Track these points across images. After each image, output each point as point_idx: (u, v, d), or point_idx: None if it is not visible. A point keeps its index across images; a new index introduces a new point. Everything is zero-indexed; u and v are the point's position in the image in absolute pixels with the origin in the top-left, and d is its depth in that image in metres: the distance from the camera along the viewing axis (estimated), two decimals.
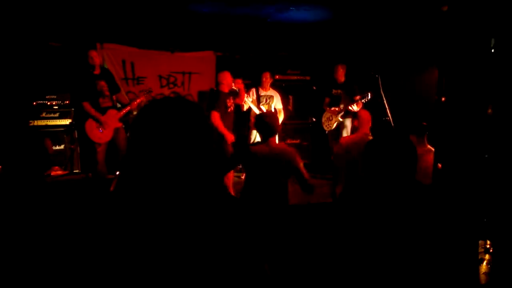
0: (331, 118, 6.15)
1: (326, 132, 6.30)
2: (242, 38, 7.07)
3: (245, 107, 5.90)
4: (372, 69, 5.62)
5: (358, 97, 5.71)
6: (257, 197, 3.16)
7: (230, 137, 4.79)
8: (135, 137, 1.17)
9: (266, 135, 3.24)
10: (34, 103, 5.81)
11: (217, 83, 5.26)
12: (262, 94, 5.98)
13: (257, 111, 5.81)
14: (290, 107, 7.01)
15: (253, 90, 6.02)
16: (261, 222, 3.03)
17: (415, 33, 5.87)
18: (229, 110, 5.13)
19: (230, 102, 5.15)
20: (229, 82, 5.16)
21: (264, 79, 6.00)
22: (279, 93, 6.25)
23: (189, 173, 1.13)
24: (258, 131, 3.35)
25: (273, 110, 5.94)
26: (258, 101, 5.92)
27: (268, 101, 5.99)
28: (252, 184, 3.23)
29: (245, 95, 5.75)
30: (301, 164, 3.21)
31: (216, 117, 4.78)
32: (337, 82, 6.19)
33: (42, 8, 5.29)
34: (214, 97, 5.07)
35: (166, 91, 7.00)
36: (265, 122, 3.23)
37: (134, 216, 1.10)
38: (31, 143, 3.48)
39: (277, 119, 3.40)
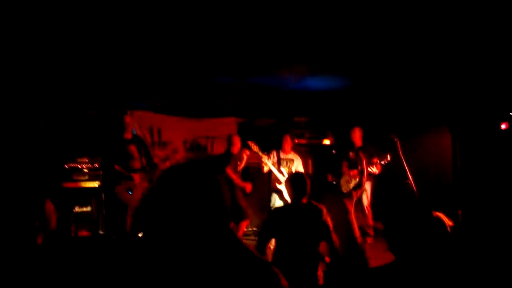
0: (349, 181, 6.22)
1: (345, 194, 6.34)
2: (262, 106, 7.43)
3: (265, 169, 6.03)
4: (390, 133, 5.76)
5: (376, 160, 5.82)
6: (290, 261, 3.12)
7: (248, 187, 5.63)
8: (156, 194, 1.35)
9: (299, 195, 3.29)
10: (66, 166, 6.10)
11: (230, 145, 5.92)
12: (282, 157, 6.10)
13: (277, 173, 5.93)
14: (309, 171, 7.13)
15: (274, 152, 6.15)
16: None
17: (429, 96, 6.08)
18: (238, 169, 5.86)
19: (238, 163, 5.85)
20: (238, 145, 5.91)
21: (284, 143, 6.17)
22: (300, 156, 6.37)
23: (202, 227, 1.28)
24: (290, 191, 3.38)
25: None
26: (278, 164, 6.03)
27: (288, 164, 6.06)
28: (283, 248, 3.20)
29: (265, 157, 5.94)
30: (331, 225, 3.24)
31: (230, 172, 5.68)
32: (355, 145, 6.31)
33: (78, 78, 5.75)
34: (226, 157, 5.83)
35: (190, 155, 7.29)
36: (297, 182, 3.31)
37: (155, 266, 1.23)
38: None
39: (308, 180, 3.42)
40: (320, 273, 3.19)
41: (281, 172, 5.92)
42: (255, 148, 5.98)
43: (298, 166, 6.16)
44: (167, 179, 1.36)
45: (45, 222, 2.77)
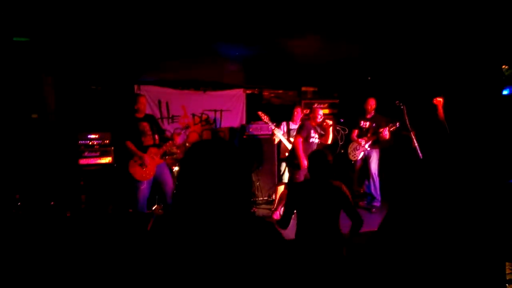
0: (357, 148, 6.30)
1: (352, 162, 6.44)
2: (270, 76, 7.41)
3: (276, 140, 6.16)
4: (397, 100, 5.78)
5: (385, 126, 5.91)
6: (312, 236, 3.19)
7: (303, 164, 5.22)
8: (185, 173, 1.40)
9: (319, 172, 3.30)
10: (78, 142, 6.20)
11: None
12: (292, 127, 6.19)
13: (286, 143, 6.02)
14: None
15: (284, 123, 6.24)
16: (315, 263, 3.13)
17: (434, 65, 6.05)
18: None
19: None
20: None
21: (295, 113, 6.24)
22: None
23: (229, 202, 1.34)
24: (311, 168, 3.37)
25: None
26: (288, 134, 6.13)
27: None
28: (305, 223, 3.27)
29: (275, 128, 6.03)
30: (350, 197, 3.29)
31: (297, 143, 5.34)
32: (366, 115, 6.36)
33: (85, 54, 5.76)
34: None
35: (199, 128, 7.36)
36: (319, 160, 3.30)
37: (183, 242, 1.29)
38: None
39: (330, 157, 3.38)
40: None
41: (291, 142, 6.01)
42: (265, 118, 6.07)
43: None
44: (196, 154, 1.39)
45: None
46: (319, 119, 5.45)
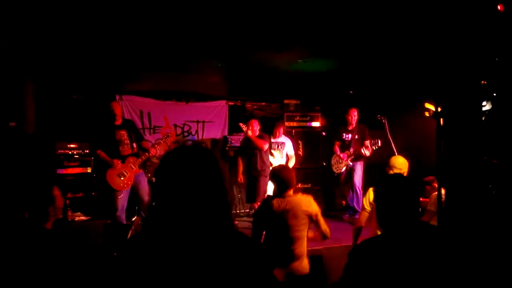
0: (340, 161, 6.32)
1: (335, 174, 6.45)
2: (252, 88, 7.43)
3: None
4: (378, 113, 5.84)
5: (368, 143, 5.93)
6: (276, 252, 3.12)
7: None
8: (160, 181, 1.36)
9: (282, 189, 3.22)
10: (57, 152, 6.09)
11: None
12: (273, 140, 6.21)
13: (269, 156, 6.02)
14: (300, 152, 7.22)
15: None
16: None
17: (416, 76, 6.15)
18: None
19: None
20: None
21: (276, 130, 6.28)
22: (290, 139, 6.47)
23: (206, 210, 1.31)
24: (275, 184, 3.31)
25: (284, 156, 6.14)
26: (269, 147, 6.12)
27: (280, 147, 6.20)
28: (271, 239, 3.19)
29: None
30: (319, 212, 3.23)
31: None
32: (348, 126, 6.37)
33: (67, 64, 5.70)
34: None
35: (181, 140, 7.30)
36: (281, 176, 3.23)
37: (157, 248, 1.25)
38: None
39: (292, 173, 3.36)
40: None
41: (272, 155, 6.03)
42: (245, 129, 6.02)
43: (289, 149, 6.27)
44: (171, 163, 1.36)
45: (54, 208, 2.85)
46: (256, 132, 5.61)
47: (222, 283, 1.23)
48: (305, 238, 3.20)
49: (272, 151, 6.10)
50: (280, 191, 3.22)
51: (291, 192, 3.24)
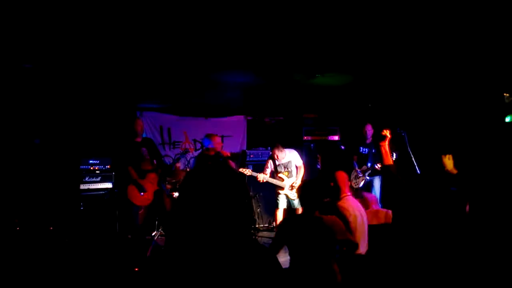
0: (358, 176, 6.28)
1: (354, 189, 6.39)
2: (270, 103, 7.48)
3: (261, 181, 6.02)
4: (398, 127, 5.78)
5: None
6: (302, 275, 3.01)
7: None
8: (182, 198, 1.39)
9: (311, 207, 3.14)
10: (80, 167, 6.23)
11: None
12: (277, 163, 6.02)
13: (275, 182, 5.89)
14: (319, 166, 7.19)
15: (268, 162, 6.11)
16: None
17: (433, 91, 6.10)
18: None
19: None
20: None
21: (274, 155, 6.00)
22: (295, 149, 6.26)
23: (227, 228, 1.33)
24: (303, 203, 3.22)
25: (294, 171, 5.99)
26: (276, 170, 6.01)
27: (286, 167, 6.02)
28: (297, 261, 3.08)
29: (261, 174, 5.92)
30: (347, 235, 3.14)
31: None
32: (365, 140, 6.37)
33: (91, 81, 5.86)
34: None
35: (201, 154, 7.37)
36: (311, 193, 3.15)
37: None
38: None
39: (320, 189, 3.22)
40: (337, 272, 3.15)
41: (280, 178, 5.91)
42: (248, 173, 5.93)
43: (297, 161, 6.06)
44: (194, 181, 1.39)
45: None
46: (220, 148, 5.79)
47: None
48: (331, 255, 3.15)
49: (280, 175, 5.96)
50: (309, 209, 3.17)
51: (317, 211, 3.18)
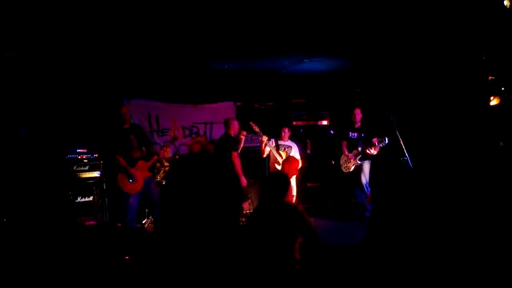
0: (348, 161, 6.31)
1: (344, 174, 6.43)
2: (260, 89, 7.44)
3: (265, 153, 6.12)
4: (386, 111, 5.80)
5: (375, 140, 5.91)
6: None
7: (243, 181, 5.25)
8: (169, 184, 1.39)
9: (277, 195, 3.16)
10: (66, 156, 6.15)
11: (227, 128, 5.69)
12: (281, 143, 6.23)
13: (276, 155, 6.03)
14: (308, 151, 7.21)
15: (273, 140, 6.25)
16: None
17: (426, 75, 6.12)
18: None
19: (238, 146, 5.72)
20: (236, 128, 5.71)
21: (283, 133, 6.30)
22: (297, 144, 6.47)
23: (212, 210, 1.34)
24: (268, 191, 3.21)
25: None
26: (277, 148, 6.12)
27: (286, 149, 6.21)
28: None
29: (266, 139, 6.02)
30: (310, 222, 3.13)
31: (235, 156, 5.27)
32: (354, 125, 6.39)
33: (76, 68, 5.76)
34: (233, 141, 5.56)
35: (189, 141, 7.32)
36: (276, 183, 3.16)
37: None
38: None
39: (287, 182, 3.28)
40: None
41: (279, 155, 6.04)
42: (256, 128, 6.05)
43: (295, 153, 6.25)
44: (180, 167, 1.39)
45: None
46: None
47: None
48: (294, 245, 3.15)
49: (281, 152, 6.10)
50: (275, 197, 3.18)
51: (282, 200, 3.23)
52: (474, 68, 5.37)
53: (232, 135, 5.68)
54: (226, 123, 5.77)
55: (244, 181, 5.34)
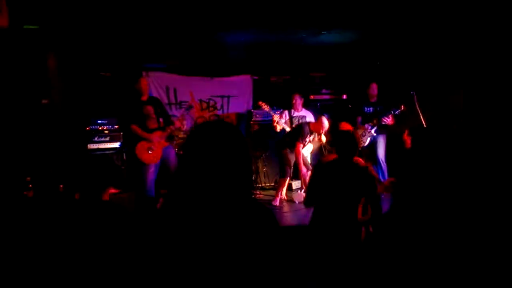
0: (364, 134, 6.26)
1: (360, 148, 6.40)
2: (277, 62, 7.38)
3: (278, 128, 6.10)
4: (407, 87, 5.71)
5: (392, 107, 5.87)
6: (330, 221, 3.07)
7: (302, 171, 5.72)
8: (187, 155, 1.42)
9: (349, 153, 3.18)
10: (87, 128, 6.29)
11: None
12: (294, 115, 6.15)
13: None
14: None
15: (286, 112, 6.22)
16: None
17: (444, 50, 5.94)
18: None
19: None
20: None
21: (294, 101, 6.18)
22: (312, 113, 6.41)
23: (230, 183, 1.36)
24: (340, 148, 3.22)
25: None
26: (291, 122, 6.08)
27: (300, 121, 6.12)
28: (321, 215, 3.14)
29: (277, 116, 5.99)
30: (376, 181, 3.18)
31: (298, 149, 5.63)
32: (370, 100, 6.32)
33: (94, 41, 5.82)
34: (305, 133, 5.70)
35: (206, 114, 7.40)
36: (349, 141, 3.19)
37: (182, 223, 1.31)
38: (89, 165, 3.81)
39: (356, 140, 3.29)
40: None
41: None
42: (266, 108, 6.04)
43: (310, 119, 6.17)
44: (198, 138, 1.40)
45: None
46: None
47: (242, 252, 1.28)
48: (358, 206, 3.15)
49: (293, 126, 6.04)
50: (347, 155, 3.22)
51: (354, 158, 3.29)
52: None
53: (312, 130, 5.76)
54: (317, 119, 5.80)
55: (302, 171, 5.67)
